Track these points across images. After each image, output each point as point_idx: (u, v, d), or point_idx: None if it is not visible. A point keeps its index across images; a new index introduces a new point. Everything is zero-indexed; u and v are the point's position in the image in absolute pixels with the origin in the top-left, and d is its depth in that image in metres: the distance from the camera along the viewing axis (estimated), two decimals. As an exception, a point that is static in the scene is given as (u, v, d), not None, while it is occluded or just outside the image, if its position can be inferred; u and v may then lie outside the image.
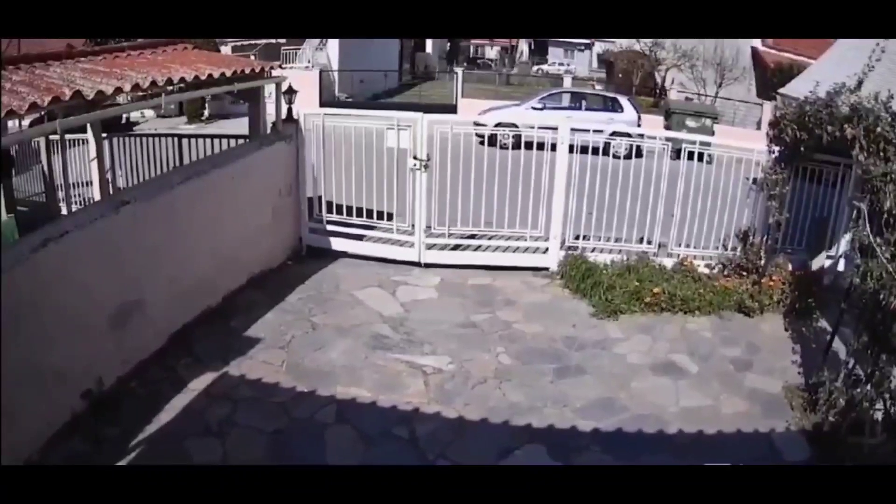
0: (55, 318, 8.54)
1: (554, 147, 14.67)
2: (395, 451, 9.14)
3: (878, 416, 9.23)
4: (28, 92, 8.83)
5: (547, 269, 15.03)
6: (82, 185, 16.56)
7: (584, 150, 15.01)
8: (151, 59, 12.69)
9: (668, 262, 14.52)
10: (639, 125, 31.54)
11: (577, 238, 15.31)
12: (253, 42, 47.18)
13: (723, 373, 11.53)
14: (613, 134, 17.56)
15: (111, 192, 14.84)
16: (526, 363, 11.51)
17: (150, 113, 36.46)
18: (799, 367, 11.68)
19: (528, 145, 14.74)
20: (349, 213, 15.47)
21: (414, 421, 9.75)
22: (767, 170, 13.51)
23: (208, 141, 18.81)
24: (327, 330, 12.17)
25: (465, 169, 15.13)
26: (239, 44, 46.50)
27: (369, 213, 15.43)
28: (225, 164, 13.05)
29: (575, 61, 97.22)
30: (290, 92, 15.08)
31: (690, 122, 34.84)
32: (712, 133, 32.27)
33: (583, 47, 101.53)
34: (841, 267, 13.70)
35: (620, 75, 62.91)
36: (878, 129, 10.30)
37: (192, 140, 19.57)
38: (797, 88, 18.75)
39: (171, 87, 11.45)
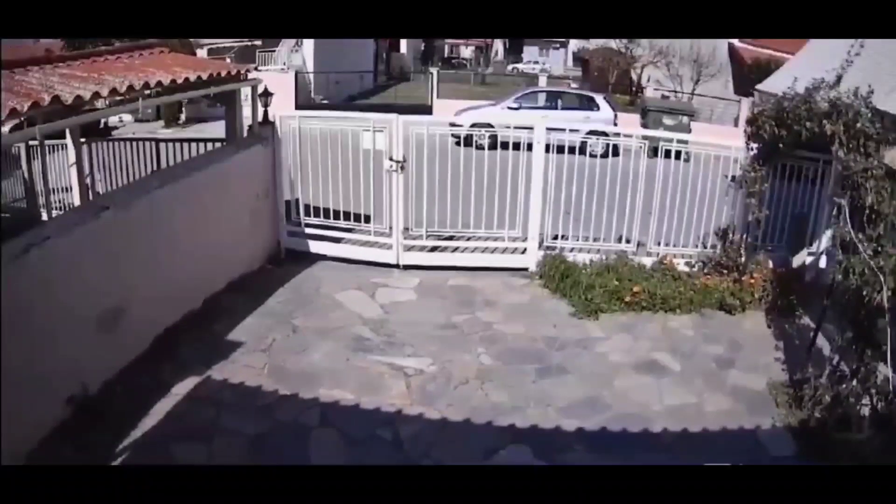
0: (38, 324, 8.50)
1: (530, 147, 14.65)
2: (379, 453, 9.12)
3: (865, 411, 9.25)
4: (7, 97, 8.79)
5: (526, 269, 15.01)
6: (62, 191, 16.51)
7: (560, 149, 15.00)
8: (128, 63, 12.62)
9: (648, 261, 14.52)
10: (615, 124, 31.66)
11: (555, 238, 15.32)
12: (228, 45, 47.12)
13: (706, 370, 11.53)
14: (590, 133, 17.50)
15: (90, 197, 14.80)
16: (507, 363, 11.50)
17: (127, 117, 36.25)
18: (782, 364, 11.69)
19: (505, 145, 14.73)
20: (327, 216, 15.43)
21: (397, 422, 9.74)
22: (746, 167, 13.50)
23: (186, 145, 18.77)
24: (308, 333, 12.14)
25: (442, 170, 15.14)
26: (215, 46, 46.44)
27: (347, 216, 15.39)
28: (202, 168, 13.04)
29: (550, 59, 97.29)
30: (266, 94, 15.04)
31: (667, 120, 34.90)
32: (689, 131, 32.36)
33: (557, 45, 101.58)
34: (822, 264, 13.69)
35: (596, 73, 62.95)
36: (858, 125, 10.32)
37: (170, 144, 19.53)
38: (775, 84, 18.71)
39: (148, 91, 11.39)
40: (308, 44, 50.11)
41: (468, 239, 15.46)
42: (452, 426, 9.75)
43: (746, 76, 44.52)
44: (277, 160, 15.13)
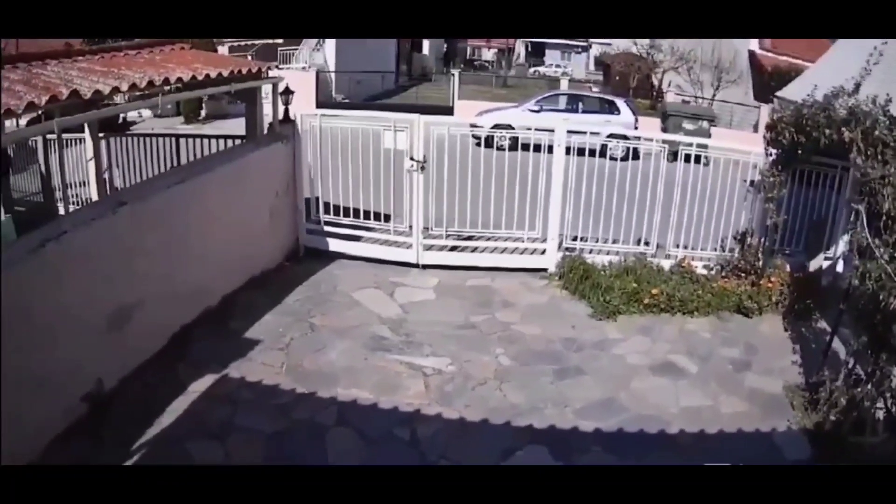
0: (54, 320, 8.52)
1: (551, 149, 14.66)
2: (396, 453, 9.14)
3: (880, 415, 9.26)
4: (25, 91, 8.82)
5: (545, 270, 15.03)
6: (79, 185, 16.53)
7: (580, 152, 15.03)
8: (149, 58, 12.66)
9: (666, 264, 14.53)
10: (636, 127, 31.69)
11: (574, 239, 15.30)
12: (250, 42, 47.17)
13: (722, 373, 11.54)
14: (610, 136, 17.49)
15: (108, 192, 14.83)
16: (525, 364, 11.50)
17: (147, 113, 36.38)
18: (798, 367, 11.70)
19: (525, 147, 14.74)
20: (346, 215, 15.44)
21: (415, 422, 9.75)
22: (765, 172, 13.50)
23: (205, 141, 18.82)
24: (326, 331, 12.16)
25: (462, 170, 15.11)
26: (236, 44, 46.49)
27: (366, 215, 15.40)
28: (222, 164, 13.06)
29: (572, 63, 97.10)
30: (287, 93, 15.09)
31: (687, 125, 34.82)
32: (709, 135, 32.24)
33: (580, 49, 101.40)
34: (839, 268, 13.70)
35: (617, 77, 62.84)
36: (876, 133, 10.34)
37: (189, 140, 19.59)
38: (795, 91, 18.70)
39: (168, 87, 11.43)
40: (330, 43, 50.11)
41: (488, 239, 15.49)
42: (470, 426, 9.76)
43: (766, 83, 44.40)
44: (297, 158, 15.13)
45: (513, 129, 16.53)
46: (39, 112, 9.29)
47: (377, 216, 15.38)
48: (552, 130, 14.77)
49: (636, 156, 15.99)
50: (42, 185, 17.34)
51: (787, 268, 14.04)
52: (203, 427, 9.33)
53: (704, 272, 14.35)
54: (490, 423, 9.82)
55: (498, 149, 15.96)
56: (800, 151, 12.81)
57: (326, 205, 15.47)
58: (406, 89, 61.74)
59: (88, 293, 9.24)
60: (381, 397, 10.21)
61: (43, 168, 17.24)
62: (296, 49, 51.14)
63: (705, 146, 15.54)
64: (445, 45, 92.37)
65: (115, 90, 10.08)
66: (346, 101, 45.71)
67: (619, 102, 35.98)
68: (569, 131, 14.84)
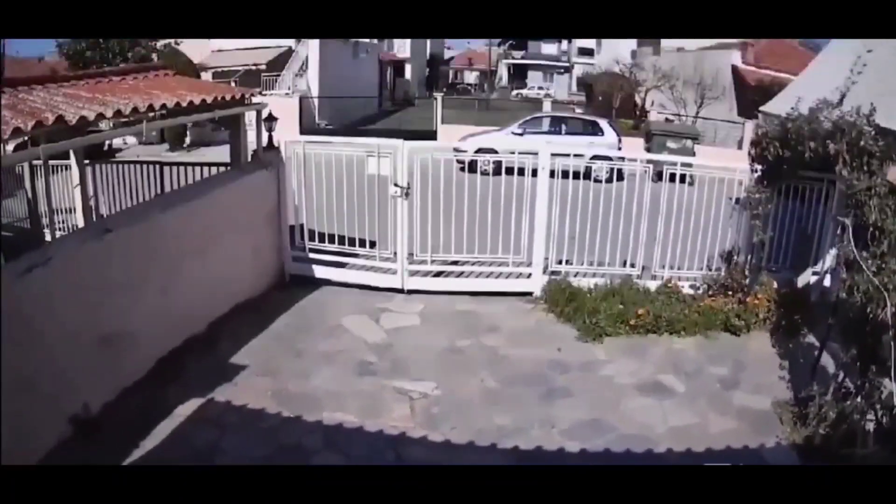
0: (41, 344, 8.55)
1: (535, 173, 14.70)
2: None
3: (870, 426, 9.25)
4: (11, 116, 8.82)
5: (531, 294, 15.03)
6: (65, 212, 16.55)
7: (565, 174, 14.99)
8: (133, 84, 12.66)
9: (653, 285, 14.54)
10: (619, 148, 31.79)
11: (560, 263, 15.33)
12: (233, 68, 47.28)
13: (710, 391, 11.51)
14: (594, 158, 17.49)
15: (94, 218, 14.83)
16: (512, 387, 11.47)
17: (132, 140, 36.53)
18: (787, 383, 11.66)
19: (509, 171, 14.79)
20: (331, 241, 15.44)
21: (401, 445, 9.73)
22: (750, 189, 13.47)
23: (190, 169, 18.83)
24: (312, 357, 12.14)
25: (447, 196, 15.09)
26: (220, 70, 46.63)
27: (351, 241, 15.42)
28: (206, 192, 13.07)
29: (554, 84, 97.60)
30: (271, 119, 15.07)
31: (671, 144, 34.91)
32: (693, 154, 32.37)
33: (562, 70, 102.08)
34: (827, 283, 13.72)
35: (600, 98, 63.11)
36: (862, 143, 10.31)
37: (174, 168, 19.59)
38: (779, 106, 18.74)
39: (152, 114, 11.42)
40: (313, 68, 50.40)
41: (473, 264, 15.49)
42: (456, 449, 9.73)
43: (750, 98, 44.45)
44: (282, 185, 15.15)
45: (496, 153, 16.59)
46: (25, 138, 9.30)
47: (362, 242, 15.42)
48: (536, 154, 14.81)
49: (620, 177, 16.01)
50: (28, 211, 17.35)
51: (774, 284, 14.02)
52: (189, 450, 9.31)
53: (691, 292, 14.35)
54: (476, 444, 9.79)
55: (482, 173, 16.07)
56: (785, 166, 12.78)
57: (311, 231, 15.46)
58: (390, 114, 62.03)
59: (74, 318, 9.27)
60: (366, 420, 10.17)
61: (29, 194, 17.22)
62: (279, 75, 51.28)
63: (690, 165, 15.59)
64: (428, 69, 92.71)
65: (101, 116, 10.09)
66: (330, 126, 45.87)
67: (602, 123, 36.09)
68: (552, 154, 14.85)
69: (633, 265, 15.06)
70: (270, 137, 15.10)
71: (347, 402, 10.70)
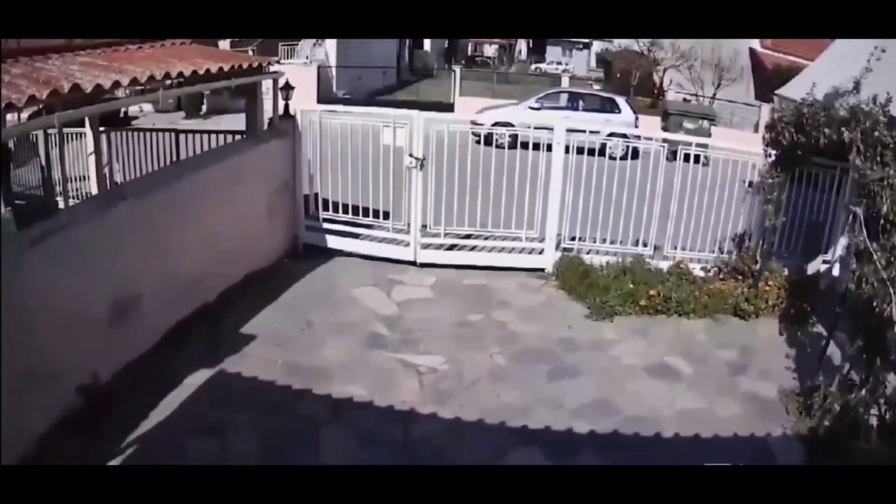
0: (52, 313, 8.55)
1: (550, 147, 14.66)
2: (389, 451, 9.15)
3: (874, 421, 9.24)
4: (27, 85, 8.79)
5: (542, 270, 15.02)
6: (80, 180, 16.53)
7: (580, 150, 15.02)
8: (150, 53, 12.62)
9: (664, 265, 14.49)
10: (636, 126, 31.50)
11: (572, 239, 15.28)
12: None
13: (718, 376, 11.54)
14: (610, 135, 17.45)
15: (108, 186, 14.83)
16: (521, 364, 11.51)
17: (148, 107, 36.30)
18: (794, 371, 11.68)
19: (525, 145, 14.72)
20: (345, 212, 15.43)
21: (409, 421, 9.79)
22: (764, 174, 13.44)
23: (206, 136, 18.78)
24: (323, 328, 12.17)
25: (462, 168, 15.08)
26: (237, 39, 46.54)
27: (366, 212, 15.35)
28: (222, 160, 13.10)
29: (573, 60, 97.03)
30: (288, 88, 15.05)
31: (687, 124, 34.73)
32: (709, 135, 32.17)
33: (581, 46, 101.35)
34: (836, 272, 13.69)
35: (619, 75, 62.71)
36: (876, 133, 10.26)
37: (190, 135, 19.56)
38: (794, 90, 18.68)
39: (169, 82, 11.41)
40: (330, 39, 50.15)
41: (486, 238, 15.50)
42: (464, 426, 9.76)
43: (767, 81, 44.31)
44: (297, 154, 15.13)
45: (513, 126, 16.50)
46: (40, 106, 9.30)
47: (376, 213, 15.34)
48: (552, 129, 14.76)
49: (636, 155, 15.96)
50: (42, 180, 17.34)
51: (785, 271, 13.99)
52: (198, 421, 9.37)
53: (702, 274, 14.35)
54: (484, 422, 9.82)
55: (498, 147, 15.95)
56: (799, 152, 12.75)
57: (325, 201, 15.46)
58: (408, 85, 61.70)
59: (87, 287, 9.29)
60: (376, 395, 10.22)
61: (43, 162, 17.21)
62: (297, 44, 51.11)
63: (705, 146, 15.52)
64: (447, 42, 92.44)
65: (116, 84, 10.04)
66: (348, 96, 45.61)
67: (620, 101, 35.85)
68: (569, 130, 14.85)
69: (645, 244, 15.04)
70: (287, 106, 15.07)
71: (357, 376, 10.75)
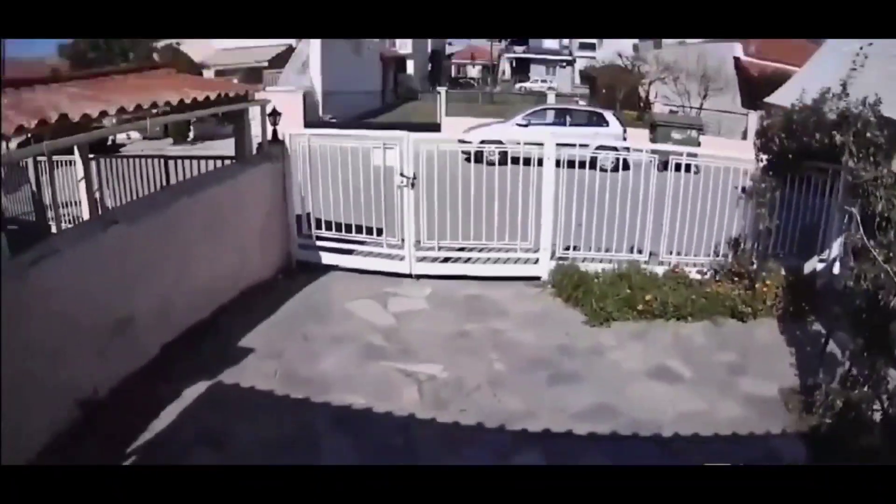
0: (50, 332, 8.58)
1: (540, 162, 14.73)
2: (390, 458, 9.09)
3: (876, 416, 9.25)
4: (15, 114, 8.84)
5: (538, 278, 15.06)
6: (71, 205, 16.59)
7: (570, 164, 15.07)
8: (137, 83, 12.67)
9: (660, 270, 14.55)
10: (624, 139, 31.64)
11: (567, 249, 15.35)
12: (235, 66, 47.31)
13: (718, 378, 11.50)
14: (599, 148, 17.53)
15: (99, 211, 14.86)
16: (520, 370, 11.48)
17: (135, 135, 36.56)
18: (794, 370, 11.67)
19: (515, 161, 14.76)
20: (339, 230, 15.51)
21: (409, 427, 9.76)
22: (756, 179, 13.51)
23: (195, 162, 18.86)
24: (320, 340, 12.17)
25: (453, 186, 15.19)
26: (222, 67, 46.68)
27: (358, 229, 15.47)
28: (212, 184, 13.14)
29: (557, 78, 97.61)
30: (275, 114, 15.17)
31: (676, 135, 34.95)
32: (698, 144, 32.41)
33: (564, 64, 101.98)
34: (835, 270, 13.72)
35: (604, 90, 63.09)
36: (868, 135, 10.30)
37: (179, 161, 19.64)
38: (783, 97, 18.78)
39: (155, 110, 11.46)
40: (315, 64, 50.44)
41: (480, 251, 15.52)
42: (464, 431, 9.75)
43: (753, 89, 44.52)
44: (287, 176, 15.21)
45: (502, 143, 16.58)
46: (28, 135, 9.32)
47: (369, 230, 15.40)
48: (541, 144, 14.81)
49: (626, 167, 16.06)
50: (33, 205, 17.41)
51: (782, 271, 14.01)
52: (197, 433, 9.35)
53: (698, 277, 14.39)
54: (484, 427, 9.80)
55: (487, 163, 15.99)
56: (790, 156, 12.80)
57: (318, 220, 15.50)
58: (393, 108, 62.16)
59: (81, 307, 9.29)
60: (375, 403, 10.19)
61: (34, 188, 17.28)
62: (281, 71, 51.29)
63: (695, 155, 15.57)
64: (430, 65, 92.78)
65: (104, 114, 10.11)
66: (334, 120, 45.93)
67: (607, 115, 36.08)
68: (558, 144, 14.89)
69: (640, 251, 15.04)
70: (275, 131, 15.19)
71: (356, 385, 10.73)
